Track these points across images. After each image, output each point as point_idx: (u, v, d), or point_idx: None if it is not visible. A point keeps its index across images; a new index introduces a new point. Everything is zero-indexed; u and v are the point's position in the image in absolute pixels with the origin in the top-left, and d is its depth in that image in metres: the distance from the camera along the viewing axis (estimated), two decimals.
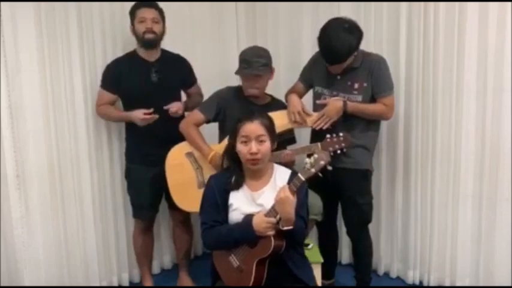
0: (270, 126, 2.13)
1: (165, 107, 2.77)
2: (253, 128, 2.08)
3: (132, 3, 2.82)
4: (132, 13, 2.80)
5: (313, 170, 1.97)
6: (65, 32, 2.77)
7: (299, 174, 1.99)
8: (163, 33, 2.84)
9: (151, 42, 2.79)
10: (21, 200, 2.64)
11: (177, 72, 2.93)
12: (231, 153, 2.17)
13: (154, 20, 2.78)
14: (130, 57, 2.87)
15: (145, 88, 2.80)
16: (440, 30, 2.80)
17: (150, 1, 2.82)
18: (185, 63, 3.00)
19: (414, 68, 2.92)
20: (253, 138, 2.07)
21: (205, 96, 2.94)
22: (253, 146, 2.06)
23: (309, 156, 2.01)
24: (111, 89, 2.84)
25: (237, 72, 2.69)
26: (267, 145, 2.09)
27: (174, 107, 2.80)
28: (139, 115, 2.72)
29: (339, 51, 2.47)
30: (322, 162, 1.97)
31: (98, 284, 3.04)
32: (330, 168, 2.04)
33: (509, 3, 2.59)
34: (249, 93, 2.70)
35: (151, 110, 2.73)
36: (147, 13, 2.77)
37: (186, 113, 2.92)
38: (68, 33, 2.78)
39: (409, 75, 2.95)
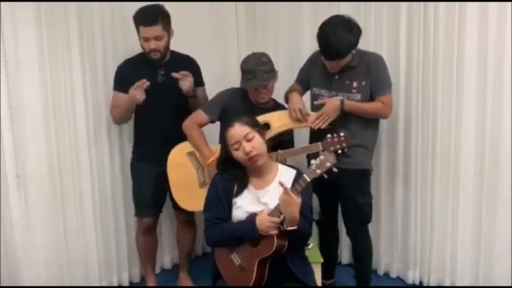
0: (251, 121, 2.14)
1: (174, 74, 2.71)
2: (236, 131, 2.10)
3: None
4: (136, 24, 2.73)
5: (318, 171, 1.98)
6: (65, 32, 2.76)
7: (304, 175, 1.99)
8: (169, 41, 2.80)
9: (157, 62, 2.79)
10: (21, 200, 2.64)
11: None
12: (227, 163, 2.16)
13: (158, 38, 2.72)
14: (139, 58, 2.85)
15: (151, 89, 2.78)
16: (440, 29, 2.80)
17: (152, 12, 2.72)
18: (193, 64, 2.96)
19: (414, 67, 2.92)
20: (241, 139, 2.08)
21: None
22: (246, 146, 2.07)
23: (315, 157, 2.01)
24: (123, 90, 2.80)
25: (243, 85, 2.67)
26: (257, 139, 2.10)
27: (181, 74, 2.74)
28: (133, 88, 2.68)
29: (339, 47, 2.46)
30: (328, 164, 1.98)
31: (98, 284, 3.04)
32: (335, 170, 2.03)
33: (509, 3, 2.59)
34: (258, 101, 2.69)
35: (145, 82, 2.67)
36: (149, 32, 2.70)
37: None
38: (68, 33, 2.77)
39: (409, 75, 2.95)
